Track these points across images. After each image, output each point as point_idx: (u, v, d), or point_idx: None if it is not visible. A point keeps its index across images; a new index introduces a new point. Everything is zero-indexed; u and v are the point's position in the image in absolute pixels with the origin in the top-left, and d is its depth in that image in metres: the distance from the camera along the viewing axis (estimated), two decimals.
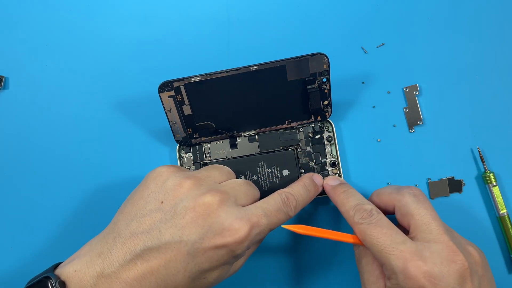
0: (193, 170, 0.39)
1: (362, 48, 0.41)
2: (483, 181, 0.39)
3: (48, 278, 0.27)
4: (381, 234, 0.30)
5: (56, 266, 0.30)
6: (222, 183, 0.32)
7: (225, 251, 0.28)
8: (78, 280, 0.27)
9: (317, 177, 0.37)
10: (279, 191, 0.33)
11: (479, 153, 0.39)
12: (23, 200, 0.40)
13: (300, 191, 0.34)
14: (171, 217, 0.28)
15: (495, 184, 0.38)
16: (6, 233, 0.40)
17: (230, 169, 0.35)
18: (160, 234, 0.28)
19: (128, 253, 0.28)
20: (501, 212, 0.38)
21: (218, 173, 0.33)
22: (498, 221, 0.39)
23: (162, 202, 0.29)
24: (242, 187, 0.32)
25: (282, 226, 0.32)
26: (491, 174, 0.38)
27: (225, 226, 0.28)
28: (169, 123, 0.38)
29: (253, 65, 0.35)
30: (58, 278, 0.28)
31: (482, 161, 0.39)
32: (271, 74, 0.36)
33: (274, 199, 0.32)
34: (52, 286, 0.27)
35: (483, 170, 0.39)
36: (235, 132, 0.39)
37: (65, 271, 0.28)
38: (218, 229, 0.28)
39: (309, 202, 0.35)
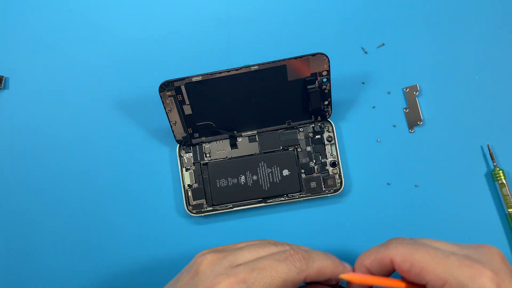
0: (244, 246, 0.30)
1: (362, 48, 0.41)
2: (493, 178, 0.39)
3: None
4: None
5: None
6: None
7: None
8: None
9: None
10: None
11: (489, 150, 0.39)
12: (22, 199, 0.40)
13: (316, 251, 0.28)
14: None
15: (504, 182, 0.38)
16: (6, 233, 0.40)
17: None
18: None
19: None
20: (509, 210, 0.38)
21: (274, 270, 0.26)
22: (507, 218, 0.38)
23: None
24: None
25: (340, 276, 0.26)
26: (500, 171, 0.38)
27: None
28: (170, 122, 0.38)
29: (253, 65, 0.35)
30: None
31: (492, 158, 0.39)
32: (272, 74, 0.36)
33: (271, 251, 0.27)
34: None
35: (488, 168, 0.39)
36: (235, 132, 0.39)
37: None
38: None
39: (331, 269, 0.27)
